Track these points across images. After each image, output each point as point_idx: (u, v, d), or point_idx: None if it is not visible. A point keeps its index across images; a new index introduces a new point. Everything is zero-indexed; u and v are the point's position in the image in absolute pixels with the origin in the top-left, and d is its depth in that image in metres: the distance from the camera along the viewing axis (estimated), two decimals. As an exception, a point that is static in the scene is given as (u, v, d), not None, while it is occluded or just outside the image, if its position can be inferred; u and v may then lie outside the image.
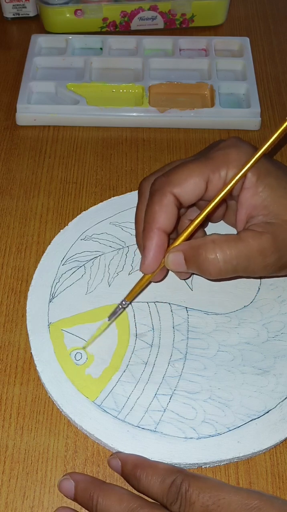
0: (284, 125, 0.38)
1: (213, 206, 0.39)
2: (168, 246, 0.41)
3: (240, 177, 0.38)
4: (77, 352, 0.42)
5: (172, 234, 0.42)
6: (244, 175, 0.39)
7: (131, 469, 0.36)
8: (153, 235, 0.40)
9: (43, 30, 0.70)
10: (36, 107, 0.60)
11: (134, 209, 0.50)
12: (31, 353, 0.42)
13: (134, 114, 0.59)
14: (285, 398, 0.40)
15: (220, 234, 0.39)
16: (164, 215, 0.39)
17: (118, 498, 0.34)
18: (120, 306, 0.42)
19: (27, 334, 0.44)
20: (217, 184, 0.39)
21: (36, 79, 0.63)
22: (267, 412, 0.40)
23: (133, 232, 0.48)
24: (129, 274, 0.46)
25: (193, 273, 0.44)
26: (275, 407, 0.40)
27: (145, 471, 0.35)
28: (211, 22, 0.71)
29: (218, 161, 0.39)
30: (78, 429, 0.40)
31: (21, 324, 0.45)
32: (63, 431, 0.40)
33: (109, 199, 0.52)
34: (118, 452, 0.38)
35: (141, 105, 0.60)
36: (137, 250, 0.47)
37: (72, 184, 0.55)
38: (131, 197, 0.52)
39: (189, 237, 0.41)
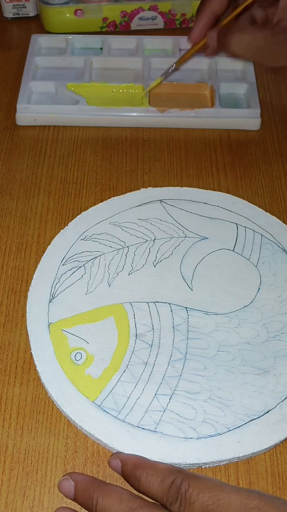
0: None
1: None
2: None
3: None
4: (77, 352, 0.42)
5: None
6: None
7: (132, 469, 0.36)
8: (204, 15, 0.51)
9: (43, 30, 0.70)
10: (36, 107, 0.60)
11: (134, 209, 0.51)
12: (31, 353, 0.42)
13: (134, 114, 0.59)
14: (285, 398, 0.40)
15: (250, 26, 0.51)
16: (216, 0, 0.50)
17: (118, 498, 0.34)
18: (172, 67, 0.55)
19: (27, 334, 0.44)
20: None
21: (36, 79, 0.63)
22: (267, 412, 0.40)
23: (133, 232, 0.49)
24: (129, 274, 0.46)
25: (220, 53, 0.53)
26: (275, 407, 0.40)
27: (145, 471, 0.35)
28: (211, 22, 0.71)
29: None
30: (78, 429, 0.40)
31: (21, 324, 0.45)
32: (63, 431, 0.40)
33: (109, 199, 0.52)
34: (118, 452, 0.38)
35: (141, 105, 0.60)
36: (137, 250, 0.48)
37: (72, 184, 0.55)
38: (131, 197, 0.52)
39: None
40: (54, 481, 0.38)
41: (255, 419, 0.39)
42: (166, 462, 0.37)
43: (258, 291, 0.46)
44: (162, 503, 0.34)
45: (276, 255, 0.48)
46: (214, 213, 0.51)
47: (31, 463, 0.39)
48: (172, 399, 0.40)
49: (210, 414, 0.40)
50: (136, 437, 0.39)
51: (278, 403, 0.40)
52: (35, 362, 0.42)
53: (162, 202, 0.51)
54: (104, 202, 0.52)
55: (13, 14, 0.71)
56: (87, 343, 0.43)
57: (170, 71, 0.53)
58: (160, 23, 0.70)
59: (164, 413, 0.40)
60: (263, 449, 0.39)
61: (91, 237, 0.49)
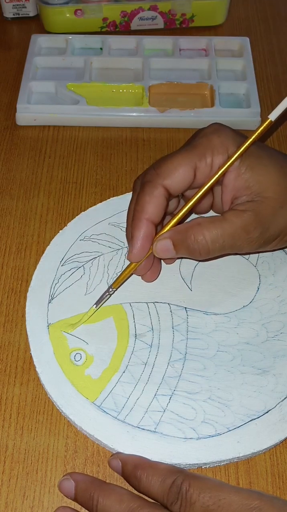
0: (265, 124, 0.40)
1: (199, 197, 0.41)
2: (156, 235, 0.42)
3: (225, 168, 0.40)
4: (76, 353, 0.42)
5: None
6: (230, 165, 0.40)
7: (132, 469, 0.36)
8: (141, 225, 0.41)
9: (43, 30, 0.70)
10: (36, 107, 0.60)
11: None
12: (31, 353, 0.42)
13: (134, 114, 0.59)
14: (284, 398, 0.40)
15: (204, 217, 0.41)
16: (153, 206, 0.41)
17: (118, 498, 0.34)
18: (107, 294, 0.43)
19: (27, 334, 0.44)
20: (205, 171, 0.41)
21: (36, 79, 0.63)
22: (267, 412, 0.40)
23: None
24: (129, 274, 0.46)
25: (181, 257, 0.46)
26: (275, 407, 0.40)
27: (145, 472, 0.35)
28: (211, 22, 0.71)
29: (202, 148, 0.41)
30: (78, 429, 0.40)
31: (21, 324, 0.45)
32: (63, 431, 0.40)
33: (108, 200, 0.52)
34: (118, 453, 0.38)
35: (141, 105, 0.60)
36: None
37: (72, 184, 0.55)
38: (130, 198, 0.52)
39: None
40: (54, 481, 0.38)
41: (255, 419, 0.39)
42: (166, 463, 0.37)
43: (257, 291, 0.46)
44: (162, 503, 0.34)
45: (275, 255, 0.48)
46: (214, 213, 0.51)
47: (31, 463, 0.39)
48: (172, 399, 0.40)
49: (210, 414, 0.40)
50: (136, 438, 0.39)
51: (278, 403, 0.40)
52: (35, 363, 0.42)
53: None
54: (103, 202, 0.52)
55: (13, 14, 0.71)
56: (87, 343, 0.43)
57: (105, 296, 0.43)
58: (159, 23, 0.70)
59: (163, 413, 0.40)
60: (263, 449, 0.39)
61: (91, 237, 0.49)
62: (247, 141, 0.40)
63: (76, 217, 0.50)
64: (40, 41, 0.67)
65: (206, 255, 0.41)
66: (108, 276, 0.46)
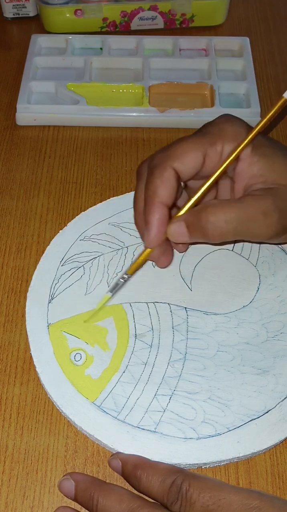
0: (281, 102, 0.40)
1: (218, 174, 0.40)
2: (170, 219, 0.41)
3: (242, 148, 0.40)
4: (76, 353, 0.42)
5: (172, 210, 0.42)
6: (245, 146, 0.40)
7: (132, 469, 0.36)
8: (155, 209, 0.40)
9: (43, 30, 0.70)
10: (36, 107, 0.60)
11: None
12: (31, 353, 0.42)
13: (134, 114, 0.59)
14: (284, 398, 0.40)
15: (219, 199, 0.40)
16: (165, 189, 0.40)
17: (118, 498, 0.34)
18: (121, 280, 0.43)
19: (27, 334, 0.44)
20: (214, 158, 0.41)
21: (36, 79, 0.63)
22: (267, 412, 0.40)
23: (133, 232, 0.49)
24: (129, 274, 0.46)
25: (195, 243, 0.44)
26: (275, 407, 0.40)
27: (145, 471, 0.35)
28: (211, 22, 0.71)
29: (214, 135, 0.41)
30: (78, 429, 0.40)
31: (21, 324, 0.45)
32: (63, 431, 0.40)
33: (108, 200, 0.52)
34: (118, 453, 0.38)
35: (141, 105, 0.60)
36: (137, 251, 0.47)
37: (72, 184, 0.55)
38: (130, 198, 0.51)
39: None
40: (54, 481, 0.38)
41: (254, 419, 0.39)
42: (166, 463, 0.37)
43: (257, 291, 0.46)
44: (162, 503, 0.34)
45: (275, 255, 0.48)
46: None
47: (31, 463, 0.39)
48: (172, 399, 0.40)
49: (210, 414, 0.40)
50: (136, 438, 0.39)
51: (278, 403, 0.40)
52: (35, 363, 0.42)
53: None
54: (103, 202, 0.52)
55: (13, 14, 0.71)
56: (87, 343, 0.43)
57: (119, 283, 0.43)
58: (159, 23, 0.70)
59: (163, 413, 0.40)
60: (263, 449, 0.39)
61: (91, 237, 0.49)
62: (264, 119, 0.40)
63: (76, 217, 0.50)
64: (40, 41, 0.67)
65: (219, 237, 0.39)
66: (108, 276, 0.46)
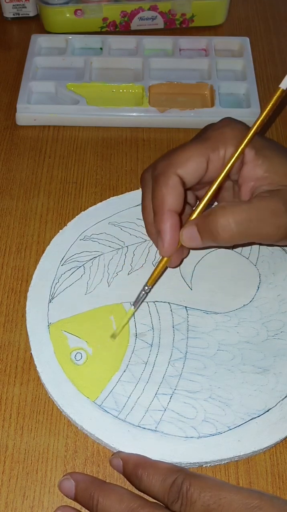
0: (278, 93, 0.40)
1: (220, 180, 0.40)
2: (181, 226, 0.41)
3: (245, 145, 0.40)
4: (77, 352, 0.42)
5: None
6: (247, 145, 0.40)
7: (133, 468, 0.36)
8: (166, 217, 0.40)
9: (43, 30, 0.70)
10: (36, 107, 0.60)
11: (133, 209, 0.50)
12: (31, 353, 0.42)
13: (134, 114, 0.59)
14: (285, 397, 0.40)
15: (229, 201, 0.40)
16: (172, 196, 0.40)
17: (118, 498, 0.34)
18: (143, 292, 0.43)
19: (27, 334, 0.43)
20: (217, 163, 0.41)
21: (36, 79, 0.63)
22: (267, 411, 0.40)
23: (133, 232, 0.49)
24: (128, 274, 0.46)
25: (209, 246, 0.44)
26: (275, 406, 0.40)
27: (146, 471, 0.35)
28: (211, 22, 0.71)
29: (215, 140, 0.41)
30: (78, 429, 0.40)
31: (21, 324, 0.45)
32: (63, 431, 0.40)
33: (108, 199, 0.52)
34: (119, 452, 0.38)
35: (141, 105, 0.60)
36: (137, 250, 0.48)
37: (72, 184, 0.55)
38: (130, 197, 0.52)
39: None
40: (54, 481, 0.38)
41: (255, 418, 0.39)
42: (166, 462, 0.37)
43: (257, 290, 0.46)
44: (163, 503, 0.34)
45: (275, 254, 0.48)
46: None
47: (31, 463, 0.39)
48: (172, 398, 0.40)
49: (211, 413, 0.40)
50: (137, 437, 0.39)
51: (278, 402, 0.40)
52: (35, 362, 0.42)
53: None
54: (103, 202, 0.52)
55: (13, 14, 0.71)
56: (87, 343, 0.43)
57: (142, 295, 0.43)
58: (159, 23, 0.70)
59: (164, 412, 0.40)
60: (264, 448, 0.39)
61: (91, 237, 0.49)
62: (263, 113, 0.40)
63: (76, 216, 0.50)
64: (40, 41, 0.67)
65: (230, 240, 0.39)
66: (108, 275, 0.46)
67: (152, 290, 0.45)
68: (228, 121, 0.42)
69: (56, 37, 0.67)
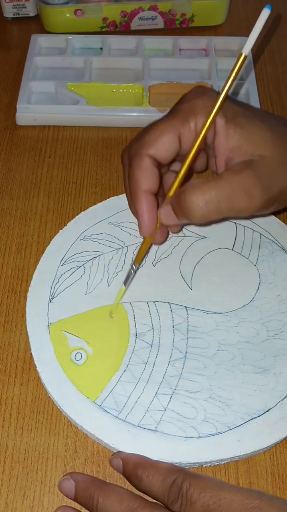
0: (241, 59, 0.38)
1: (191, 158, 0.39)
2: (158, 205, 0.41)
3: (214, 114, 0.38)
4: (77, 352, 0.42)
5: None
6: (217, 113, 0.38)
7: (133, 468, 0.36)
8: (140, 198, 0.40)
9: (43, 30, 0.70)
10: (36, 107, 0.60)
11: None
12: (31, 353, 0.42)
13: (134, 114, 0.59)
14: (285, 397, 0.40)
15: (200, 179, 0.39)
16: (145, 178, 0.40)
17: (118, 498, 0.34)
18: (132, 271, 0.44)
19: (27, 334, 0.43)
20: (189, 137, 0.40)
21: (36, 79, 0.63)
22: (267, 411, 0.40)
23: (133, 232, 0.49)
24: (129, 273, 0.47)
25: (185, 224, 0.45)
26: (275, 405, 0.40)
27: (146, 471, 0.35)
28: (211, 22, 0.71)
29: (185, 113, 0.40)
30: (79, 429, 0.40)
31: (21, 324, 0.45)
32: (63, 431, 0.40)
33: (108, 199, 0.52)
34: (119, 452, 0.38)
35: (141, 105, 0.60)
36: (137, 250, 0.47)
37: (72, 184, 0.55)
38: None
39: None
40: (54, 481, 0.38)
41: (255, 418, 0.39)
42: (166, 462, 0.37)
43: (257, 290, 0.46)
44: (163, 503, 0.34)
45: (275, 254, 0.48)
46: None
47: (31, 463, 0.39)
48: (172, 398, 0.40)
49: (211, 413, 0.40)
50: (137, 437, 0.38)
51: (278, 402, 0.40)
52: (35, 362, 0.42)
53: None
54: (103, 202, 0.52)
55: (13, 14, 0.71)
56: (87, 343, 0.43)
57: (131, 274, 0.44)
58: (159, 23, 0.70)
59: (164, 412, 0.40)
60: (264, 448, 0.39)
61: (91, 237, 0.49)
62: (228, 81, 0.38)
63: (76, 216, 0.50)
64: (40, 41, 0.67)
65: (202, 218, 0.38)
66: (108, 275, 0.46)
67: (152, 289, 0.45)
68: (199, 90, 0.41)
69: (56, 37, 0.67)
